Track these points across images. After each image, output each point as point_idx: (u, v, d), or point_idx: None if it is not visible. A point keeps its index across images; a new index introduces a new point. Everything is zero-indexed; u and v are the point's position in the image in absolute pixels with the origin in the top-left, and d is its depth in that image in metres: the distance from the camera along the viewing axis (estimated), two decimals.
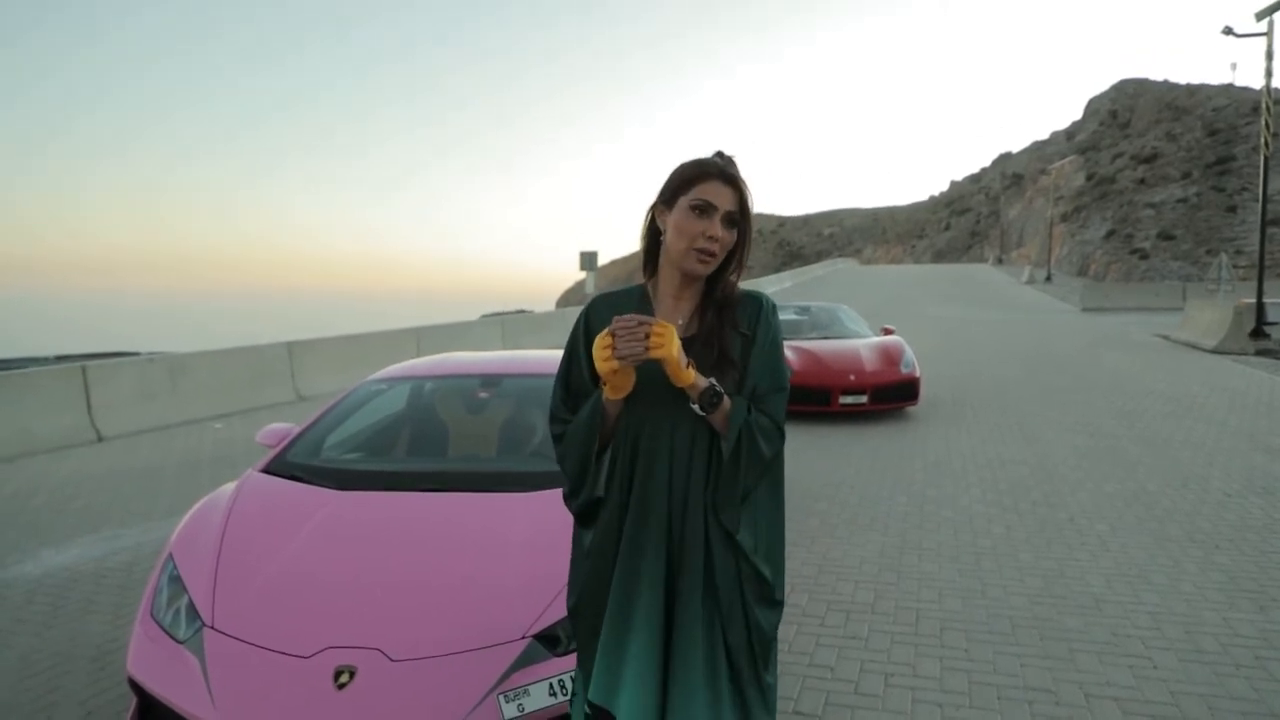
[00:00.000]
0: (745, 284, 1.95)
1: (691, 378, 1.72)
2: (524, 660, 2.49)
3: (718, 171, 1.79)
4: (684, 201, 1.78)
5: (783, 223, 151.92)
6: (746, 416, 1.78)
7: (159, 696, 2.54)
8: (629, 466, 1.84)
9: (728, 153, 1.84)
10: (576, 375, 1.91)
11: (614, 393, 1.75)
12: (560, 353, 2.02)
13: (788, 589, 4.37)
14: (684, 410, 1.80)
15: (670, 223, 1.81)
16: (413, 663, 2.46)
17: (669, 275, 1.88)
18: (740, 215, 1.80)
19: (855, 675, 3.49)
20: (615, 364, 1.68)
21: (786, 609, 4.14)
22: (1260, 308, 16.62)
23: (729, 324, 1.85)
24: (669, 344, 1.66)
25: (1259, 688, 3.32)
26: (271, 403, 11.40)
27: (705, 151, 1.86)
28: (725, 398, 1.76)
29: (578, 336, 1.93)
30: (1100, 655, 3.62)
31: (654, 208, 1.87)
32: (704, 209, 1.76)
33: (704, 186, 1.77)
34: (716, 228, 1.77)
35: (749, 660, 1.82)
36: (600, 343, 1.69)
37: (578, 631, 1.92)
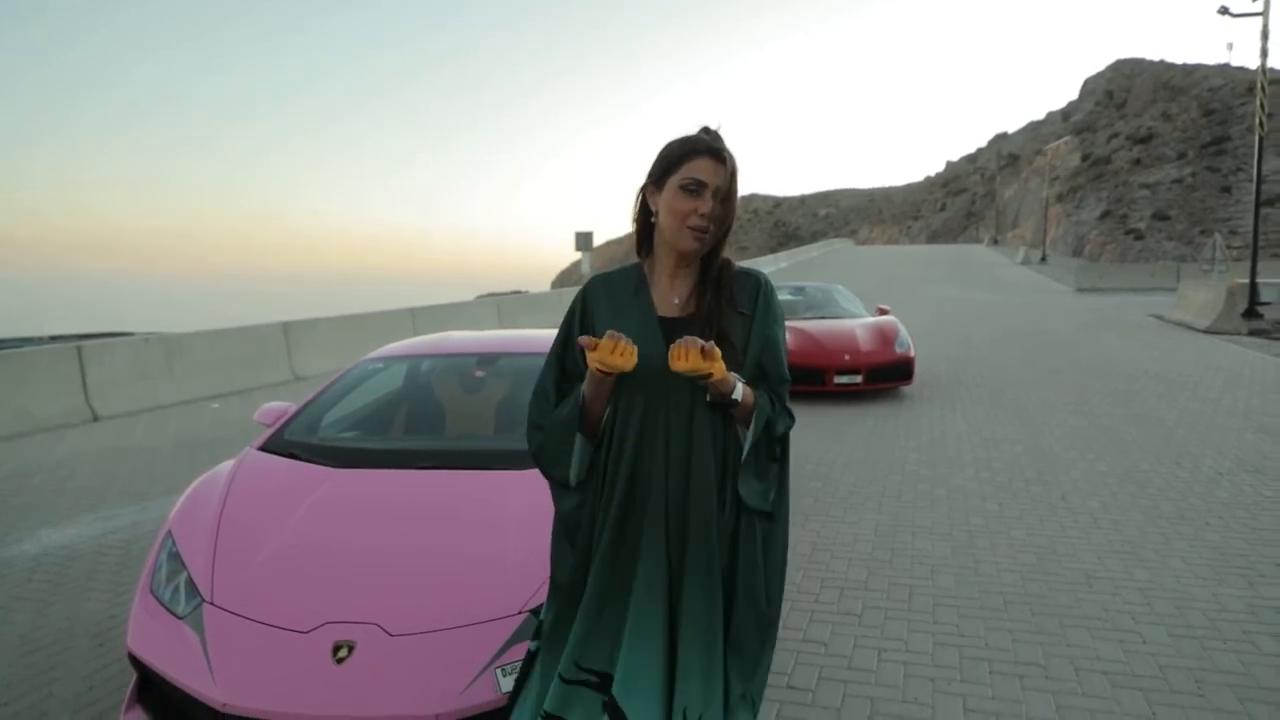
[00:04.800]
0: (741, 264, 1.95)
1: (722, 375, 1.72)
2: (521, 634, 2.50)
3: (705, 148, 1.77)
4: (674, 181, 1.77)
5: (779, 203, 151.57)
6: (770, 411, 1.81)
7: (159, 671, 2.56)
8: (622, 450, 1.84)
9: (714, 127, 1.82)
10: (571, 356, 1.92)
11: (608, 373, 1.75)
12: (556, 332, 2.02)
13: None
14: (680, 393, 1.80)
15: (662, 203, 1.80)
16: (411, 637, 2.48)
17: (664, 255, 1.87)
18: (729, 191, 1.78)
19: (849, 650, 3.53)
20: (633, 359, 1.69)
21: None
22: (1253, 288, 16.66)
23: (727, 303, 1.84)
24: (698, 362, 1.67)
25: (1246, 661, 3.36)
26: (268, 383, 11.40)
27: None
28: (745, 391, 1.77)
29: (574, 316, 1.93)
30: (1091, 630, 3.66)
31: (644, 189, 1.86)
32: (694, 188, 1.75)
33: (693, 164, 1.76)
34: (708, 205, 1.76)
35: (755, 635, 1.84)
36: (615, 350, 1.68)
37: (558, 605, 1.92)
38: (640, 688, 1.72)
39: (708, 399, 1.78)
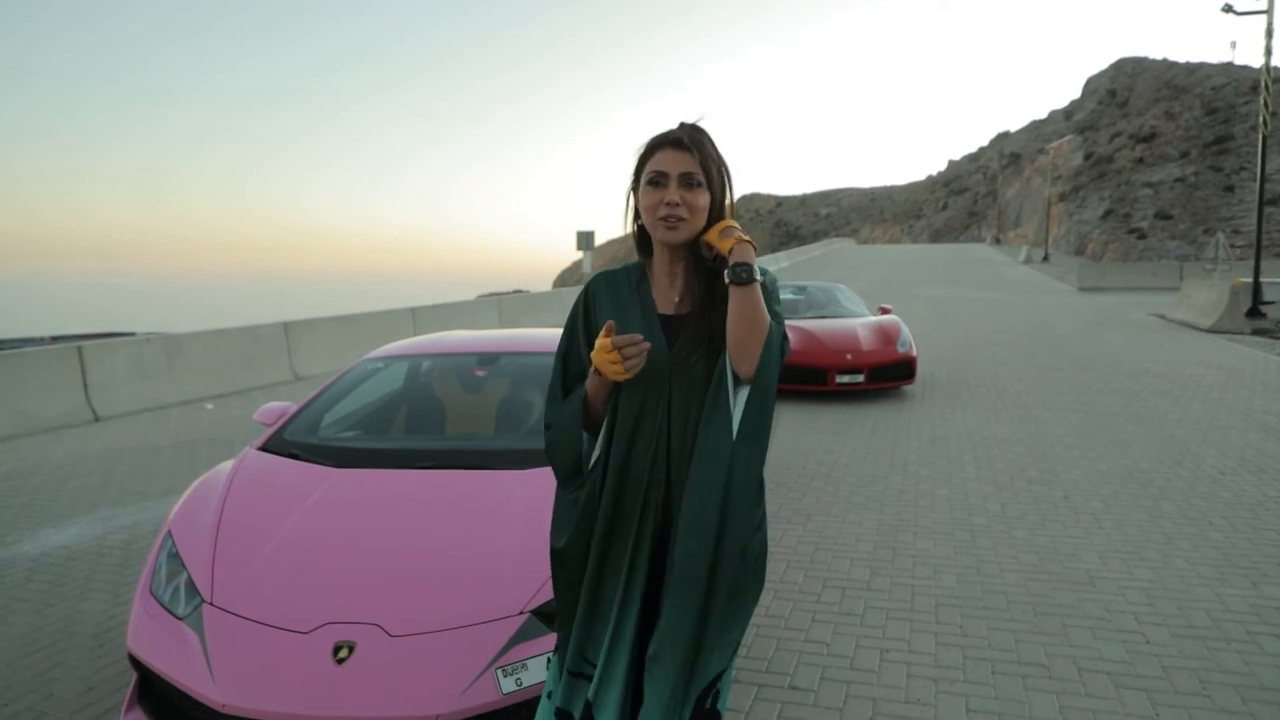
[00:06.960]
0: None
1: (729, 245, 1.73)
2: (522, 635, 2.51)
3: (665, 140, 1.79)
4: (644, 178, 1.80)
5: (780, 203, 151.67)
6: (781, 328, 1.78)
7: (159, 672, 2.55)
8: (623, 445, 1.84)
9: (694, 119, 1.83)
10: (575, 356, 1.92)
11: (613, 378, 1.75)
12: (557, 331, 2.02)
13: (783, 567, 4.41)
14: (682, 390, 1.80)
15: (640, 202, 1.83)
16: (411, 638, 2.47)
17: (660, 253, 1.88)
18: (704, 174, 1.77)
19: (851, 651, 3.52)
20: (625, 373, 1.70)
21: (782, 586, 4.18)
22: (1257, 287, 16.62)
23: (723, 301, 1.81)
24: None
25: (1250, 661, 3.35)
26: (268, 383, 11.40)
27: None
28: (757, 284, 1.73)
29: (577, 315, 1.94)
30: (1093, 630, 3.65)
31: (631, 192, 1.88)
32: (658, 180, 1.78)
33: (656, 158, 1.79)
34: (673, 194, 1.76)
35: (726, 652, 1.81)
36: (606, 355, 1.70)
37: (558, 580, 1.94)
38: (608, 702, 1.76)
39: (726, 278, 1.72)
